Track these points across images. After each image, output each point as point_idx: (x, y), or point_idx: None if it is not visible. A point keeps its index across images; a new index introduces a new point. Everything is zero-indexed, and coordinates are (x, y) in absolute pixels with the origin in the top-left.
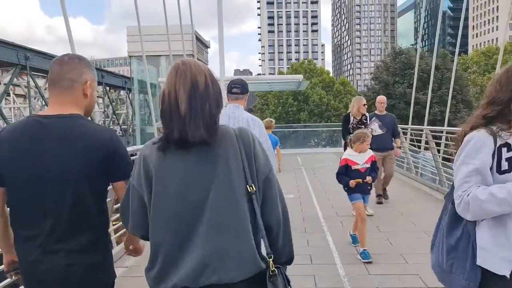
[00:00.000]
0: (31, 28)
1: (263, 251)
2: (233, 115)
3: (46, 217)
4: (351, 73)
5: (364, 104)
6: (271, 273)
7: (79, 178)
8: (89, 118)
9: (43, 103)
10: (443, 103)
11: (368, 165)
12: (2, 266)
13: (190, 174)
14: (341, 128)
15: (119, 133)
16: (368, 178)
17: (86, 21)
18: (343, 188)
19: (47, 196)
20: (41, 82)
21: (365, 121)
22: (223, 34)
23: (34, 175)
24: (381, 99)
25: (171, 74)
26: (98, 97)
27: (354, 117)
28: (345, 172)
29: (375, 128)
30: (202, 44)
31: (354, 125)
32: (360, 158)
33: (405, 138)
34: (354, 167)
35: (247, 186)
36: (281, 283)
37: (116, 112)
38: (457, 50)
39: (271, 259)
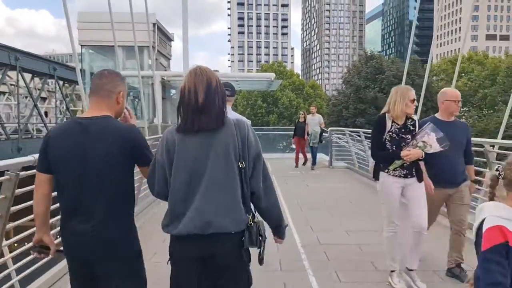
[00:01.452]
0: None
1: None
2: None
3: (85, 196)
4: (319, 77)
5: (413, 100)
6: (248, 225)
7: (114, 164)
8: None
9: None
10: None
11: None
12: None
13: (199, 151)
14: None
15: None
16: None
17: (49, 14)
18: None
19: (87, 179)
20: None
21: (412, 128)
22: (188, 31)
23: (76, 164)
24: (454, 94)
25: (190, 75)
26: (49, 91)
27: (394, 121)
28: (506, 264)
29: (430, 140)
30: (165, 36)
31: (394, 135)
32: None
33: None
34: None
35: (239, 163)
36: (254, 233)
37: (71, 109)
38: (430, 56)
39: (250, 215)
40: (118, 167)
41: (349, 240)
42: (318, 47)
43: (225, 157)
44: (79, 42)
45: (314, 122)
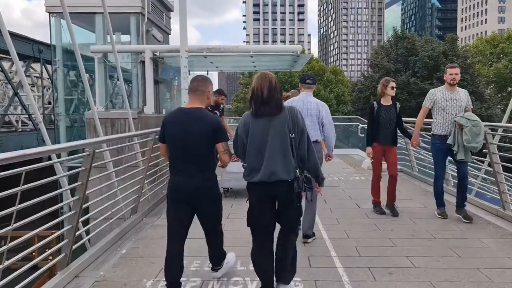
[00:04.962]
0: (7, 11)
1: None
2: (306, 100)
3: (186, 158)
4: (337, 64)
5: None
6: (297, 176)
7: (203, 139)
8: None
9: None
10: None
11: None
12: None
13: (265, 128)
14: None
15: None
16: None
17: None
18: None
19: (187, 147)
20: None
21: None
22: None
23: (181, 137)
24: None
25: (259, 78)
26: (36, 77)
27: None
28: None
29: None
30: (161, 5)
31: None
32: None
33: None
34: None
35: (290, 135)
36: (301, 181)
37: (21, 94)
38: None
39: (297, 169)
40: (207, 140)
41: None
42: (335, 34)
43: (281, 131)
44: (46, 9)
45: (459, 104)
